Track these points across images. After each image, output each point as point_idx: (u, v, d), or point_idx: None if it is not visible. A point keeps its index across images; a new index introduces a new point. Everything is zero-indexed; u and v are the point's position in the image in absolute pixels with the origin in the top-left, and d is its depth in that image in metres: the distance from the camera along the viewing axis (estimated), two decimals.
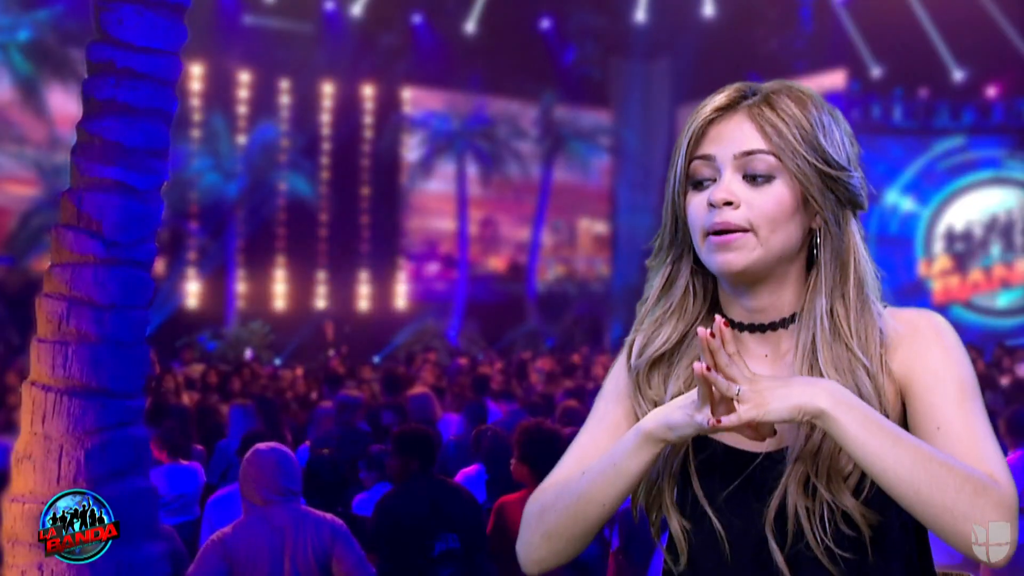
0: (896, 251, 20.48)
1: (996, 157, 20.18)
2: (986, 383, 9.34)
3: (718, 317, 1.37)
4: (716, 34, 20.61)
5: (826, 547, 1.43)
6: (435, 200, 22.24)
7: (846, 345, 1.47)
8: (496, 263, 23.28)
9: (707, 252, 1.48)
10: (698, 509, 1.52)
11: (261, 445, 4.17)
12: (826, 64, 20.51)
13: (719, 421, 1.35)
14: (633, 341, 1.59)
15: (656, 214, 1.75)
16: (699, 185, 1.49)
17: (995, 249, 20.35)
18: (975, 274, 20.44)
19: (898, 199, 20.60)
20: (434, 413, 7.39)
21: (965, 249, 20.53)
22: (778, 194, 1.46)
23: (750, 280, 1.50)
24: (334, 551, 4.01)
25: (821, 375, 1.45)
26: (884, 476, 1.33)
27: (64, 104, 15.34)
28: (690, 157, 1.49)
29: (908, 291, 20.62)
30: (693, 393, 1.40)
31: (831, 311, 1.48)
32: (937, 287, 20.62)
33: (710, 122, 1.49)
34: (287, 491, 4.03)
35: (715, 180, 1.48)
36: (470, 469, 5.61)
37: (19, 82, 16.68)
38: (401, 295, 21.77)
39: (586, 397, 8.19)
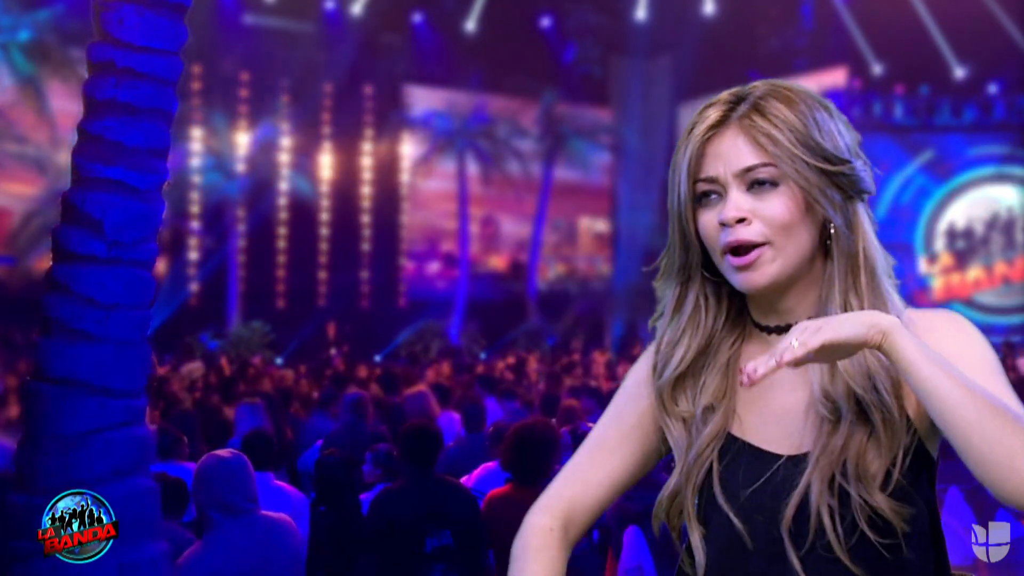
0: (897, 249, 20.42)
1: (997, 154, 20.16)
2: None
3: (750, 367, 1.34)
4: (717, 32, 20.59)
5: (848, 547, 1.42)
6: (436, 199, 22.25)
7: None
8: (497, 262, 23.27)
9: (728, 271, 1.49)
10: (717, 508, 1.51)
11: (221, 451, 4.01)
12: (827, 62, 20.51)
13: (785, 357, 1.31)
14: (658, 346, 1.60)
15: (656, 212, 1.74)
16: (704, 201, 1.50)
17: (996, 246, 20.34)
18: (976, 271, 20.42)
19: (899, 197, 20.59)
20: (432, 411, 7.39)
21: (966, 246, 20.51)
22: (784, 200, 1.46)
23: (775, 289, 1.50)
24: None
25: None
26: (941, 401, 1.30)
27: (65, 104, 15.34)
28: (693, 178, 1.49)
29: (909, 289, 20.62)
30: None
31: (844, 307, 1.47)
32: (938, 284, 20.61)
33: (706, 140, 1.48)
34: (255, 499, 3.93)
35: (720, 195, 1.48)
36: (491, 464, 5.58)
37: (20, 82, 16.69)
38: (402, 294, 21.77)
39: (582, 395, 8.20)
